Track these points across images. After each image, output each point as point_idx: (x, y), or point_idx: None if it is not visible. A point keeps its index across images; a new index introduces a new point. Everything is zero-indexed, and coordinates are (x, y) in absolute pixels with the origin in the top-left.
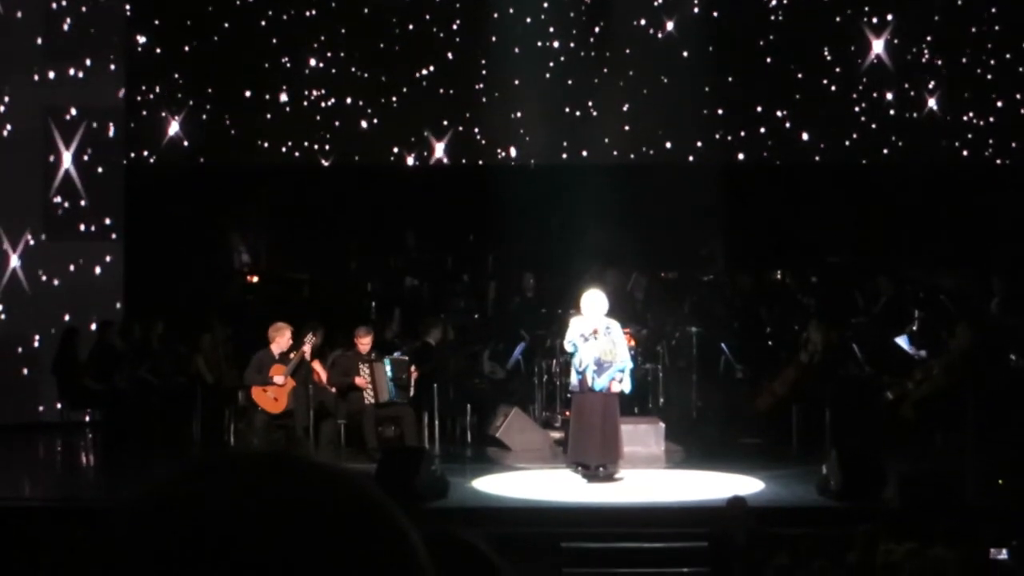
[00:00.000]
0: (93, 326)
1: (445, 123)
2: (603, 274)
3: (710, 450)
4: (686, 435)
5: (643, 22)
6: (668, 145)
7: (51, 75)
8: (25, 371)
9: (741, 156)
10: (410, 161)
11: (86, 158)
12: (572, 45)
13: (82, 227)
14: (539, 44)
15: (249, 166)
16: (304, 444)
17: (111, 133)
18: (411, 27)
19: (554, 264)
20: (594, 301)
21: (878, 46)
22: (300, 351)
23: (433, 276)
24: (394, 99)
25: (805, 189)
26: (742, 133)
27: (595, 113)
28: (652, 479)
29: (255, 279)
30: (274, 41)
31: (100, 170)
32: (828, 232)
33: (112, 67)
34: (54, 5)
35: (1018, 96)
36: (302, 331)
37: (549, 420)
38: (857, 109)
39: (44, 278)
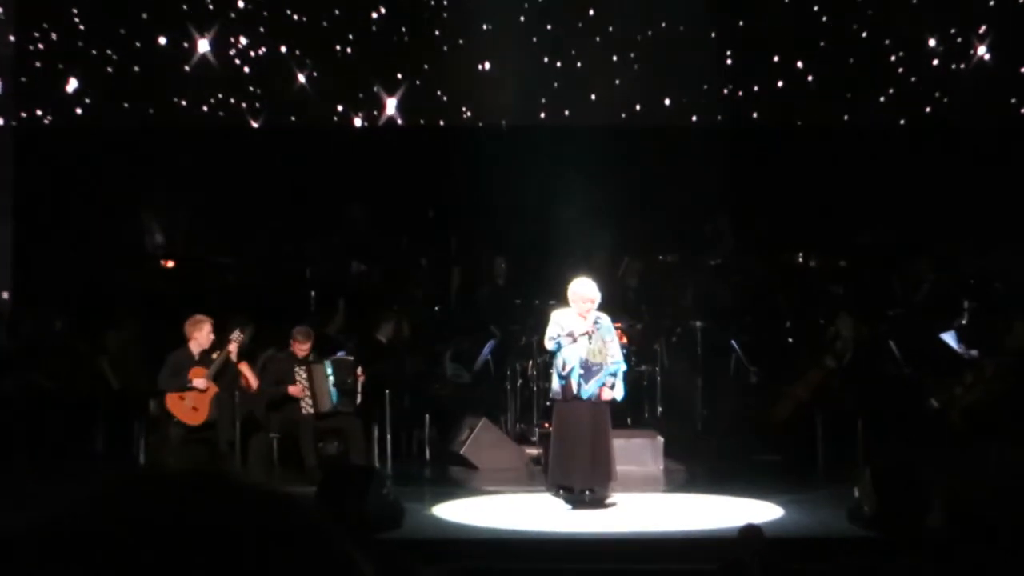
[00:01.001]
0: None
1: (398, 76)
2: (588, 258)
3: (718, 469)
4: (689, 451)
5: None
6: (667, 103)
7: None
8: None
9: (754, 115)
10: (357, 122)
11: None
12: None
13: None
14: None
15: (163, 128)
16: (229, 462)
17: None
18: None
19: (530, 246)
20: (584, 291)
21: None
22: (224, 351)
23: (385, 260)
24: (337, 48)
25: (831, 155)
26: (755, 88)
27: (579, 64)
28: (649, 504)
29: (170, 264)
30: None
31: None
32: (859, 206)
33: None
34: None
35: None
36: (227, 327)
37: (525, 434)
38: (893, 59)
39: None
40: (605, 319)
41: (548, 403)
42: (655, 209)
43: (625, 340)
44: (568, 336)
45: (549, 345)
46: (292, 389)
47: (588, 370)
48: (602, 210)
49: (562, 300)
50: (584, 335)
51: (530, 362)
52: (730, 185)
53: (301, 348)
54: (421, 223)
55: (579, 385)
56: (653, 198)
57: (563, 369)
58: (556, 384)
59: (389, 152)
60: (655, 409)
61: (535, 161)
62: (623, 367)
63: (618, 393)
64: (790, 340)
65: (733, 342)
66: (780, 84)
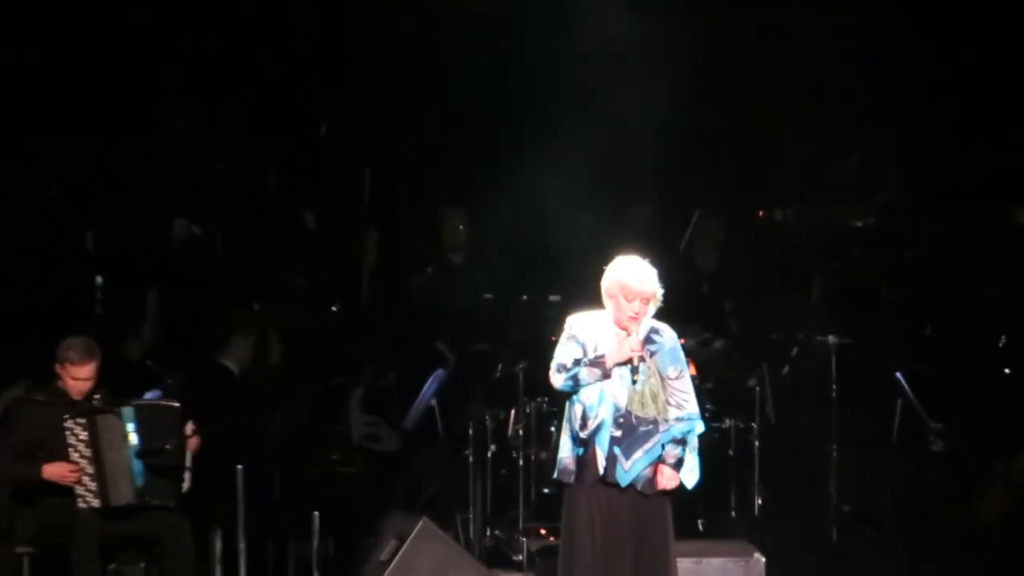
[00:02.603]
0: None
1: None
2: (625, 212)
3: None
4: (818, 573)
5: None
6: None
7: None
8: None
9: None
10: None
11: None
12: None
13: None
14: None
15: None
16: None
17: None
18: None
19: (513, 187)
20: (634, 279)
21: None
22: None
23: (235, 213)
24: None
25: None
26: None
27: None
28: None
29: None
30: None
31: None
32: None
33: None
34: None
35: None
36: None
37: (503, 548)
38: None
39: None
40: (668, 334)
41: (550, 490)
42: (743, 124)
43: (695, 371)
44: (596, 366)
45: (558, 381)
46: (51, 469)
47: (630, 430)
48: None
49: (583, 296)
50: (627, 363)
51: (514, 412)
52: (890, 93)
53: (76, 382)
54: (303, 143)
55: (613, 459)
56: (741, 109)
57: (583, 427)
58: (568, 454)
59: (231, 22)
60: (751, 500)
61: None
62: (699, 427)
63: (689, 478)
64: (1007, 372)
65: (899, 375)
66: None
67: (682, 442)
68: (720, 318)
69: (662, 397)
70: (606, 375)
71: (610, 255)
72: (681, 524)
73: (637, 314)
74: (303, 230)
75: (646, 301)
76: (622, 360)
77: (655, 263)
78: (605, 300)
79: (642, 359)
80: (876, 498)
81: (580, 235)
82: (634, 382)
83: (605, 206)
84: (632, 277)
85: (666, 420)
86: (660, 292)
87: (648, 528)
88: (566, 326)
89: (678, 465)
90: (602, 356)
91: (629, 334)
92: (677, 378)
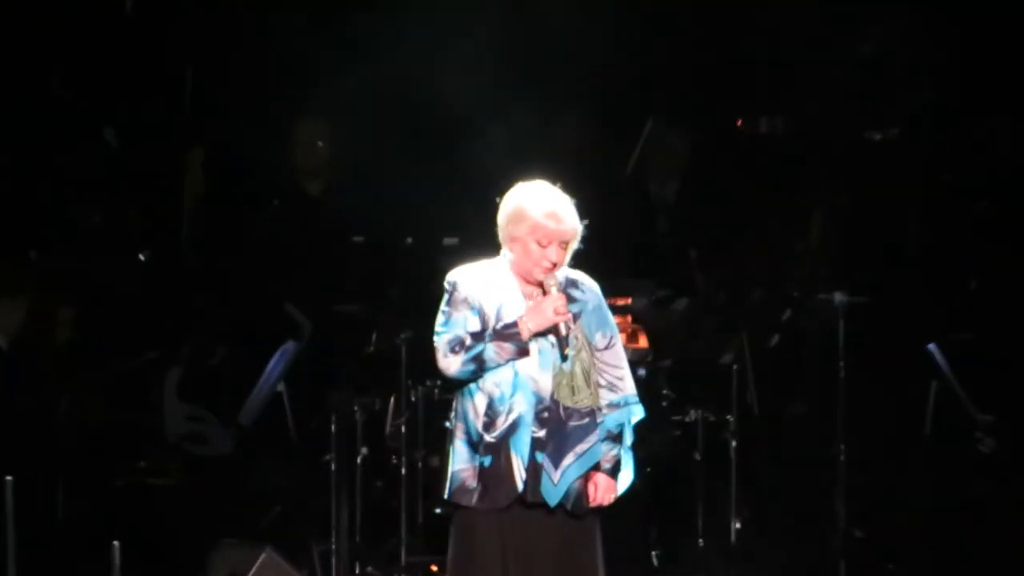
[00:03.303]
0: None
1: None
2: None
3: None
4: None
5: None
6: None
7: None
8: None
9: None
10: None
11: None
12: None
13: None
14: None
15: None
16: None
17: None
18: None
19: (383, 94)
20: (547, 213)
21: None
22: None
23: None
24: None
25: None
26: None
27: None
28: None
29: None
30: None
31: None
32: None
33: None
34: None
35: None
36: None
37: None
38: None
39: None
40: (590, 287)
41: (444, 510)
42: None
43: (646, 342)
44: (507, 339)
45: (453, 365)
46: None
47: (558, 427)
48: None
49: (490, 239)
50: (550, 333)
51: (393, 401)
52: None
53: None
54: (101, 27)
55: (536, 470)
56: None
57: (489, 427)
58: (465, 465)
59: None
60: (725, 523)
61: None
62: (637, 413)
63: (622, 480)
64: None
65: (933, 348)
66: None
67: (618, 438)
68: (682, 269)
69: (591, 376)
70: (522, 351)
71: (521, 181)
72: (624, 556)
73: (554, 263)
74: (99, 149)
75: (564, 244)
76: (544, 328)
77: (590, 194)
78: (506, 245)
79: (569, 326)
80: (899, 519)
81: (486, 154)
82: (564, 358)
83: (523, 115)
84: (545, 212)
85: (596, 409)
86: (580, 230)
87: (577, 562)
88: (448, 286)
89: (615, 470)
90: (513, 324)
91: (545, 291)
92: (607, 348)
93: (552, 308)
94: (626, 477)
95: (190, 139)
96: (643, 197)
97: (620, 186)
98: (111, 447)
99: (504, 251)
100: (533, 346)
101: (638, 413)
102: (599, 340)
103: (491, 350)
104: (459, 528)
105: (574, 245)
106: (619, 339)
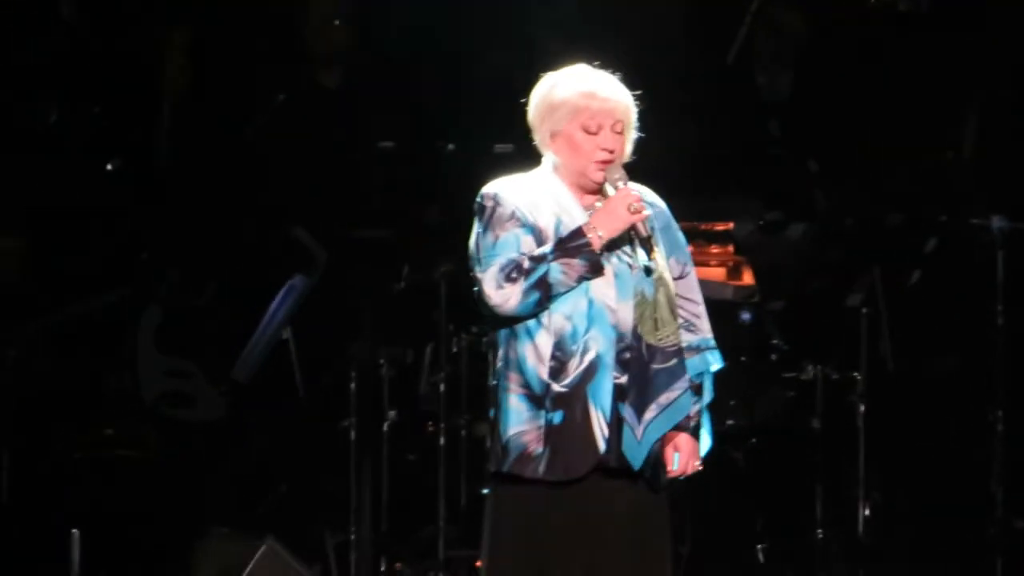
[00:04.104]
0: None
1: None
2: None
3: None
4: None
5: None
6: None
7: None
8: None
9: None
10: None
11: None
12: None
13: None
14: None
15: None
16: None
17: None
18: None
19: None
20: (593, 87)
21: None
22: None
23: None
24: None
25: None
26: None
27: None
28: None
29: None
30: None
31: None
32: None
33: None
34: None
35: None
36: None
37: None
38: None
39: None
40: (655, 203)
41: (490, 489)
42: None
43: (751, 279)
44: (575, 253)
45: (512, 299)
46: None
47: (641, 371)
48: None
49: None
50: (629, 241)
51: (430, 352)
52: None
53: None
54: None
55: (618, 425)
56: None
57: (558, 372)
58: (525, 425)
59: None
60: (852, 508)
61: None
62: (715, 361)
63: (702, 446)
64: None
65: None
66: None
67: (699, 389)
68: (798, 185)
69: (672, 311)
70: (595, 267)
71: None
72: (721, 550)
73: (611, 151)
74: (55, 29)
75: (619, 127)
76: (618, 232)
77: (681, 90)
78: (547, 148)
79: (650, 228)
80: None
81: (550, 38)
82: (648, 272)
83: None
84: (580, 91)
85: (681, 347)
86: (634, 109)
87: (651, 550)
88: (487, 201)
89: (698, 431)
90: (580, 233)
91: (603, 193)
92: (680, 277)
93: (625, 205)
94: (704, 443)
95: (172, 15)
96: (749, 93)
97: (719, 78)
98: (69, 411)
99: (546, 158)
100: (607, 267)
101: (716, 361)
102: (673, 267)
103: (557, 270)
104: (519, 510)
105: (632, 132)
106: (693, 268)
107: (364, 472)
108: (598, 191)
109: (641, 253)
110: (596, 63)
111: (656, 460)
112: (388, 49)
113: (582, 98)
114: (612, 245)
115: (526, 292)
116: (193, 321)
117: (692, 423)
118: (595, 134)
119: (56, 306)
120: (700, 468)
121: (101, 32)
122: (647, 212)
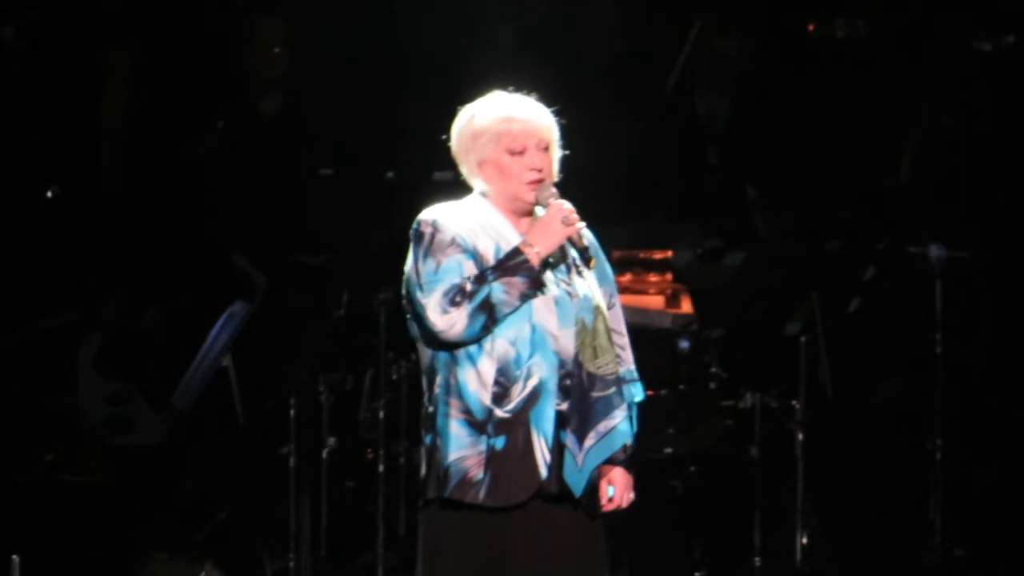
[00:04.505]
0: None
1: None
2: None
3: None
4: None
5: None
6: None
7: None
8: None
9: None
10: None
11: None
12: None
13: None
14: None
15: None
16: None
17: None
18: None
19: None
20: (511, 110)
21: None
22: None
23: None
24: None
25: None
26: None
27: None
28: None
29: None
30: None
31: None
32: None
33: None
34: None
35: None
36: None
37: None
38: None
39: None
40: (587, 233)
41: (421, 505)
42: None
43: (690, 307)
44: (515, 271)
45: (458, 324)
46: None
47: (582, 398)
48: None
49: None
50: (562, 261)
51: (370, 378)
52: None
53: None
54: None
55: (559, 451)
56: None
57: (500, 398)
58: (467, 450)
59: None
60: (790, 535)
61: None
62: (638, 393)
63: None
64: None
65: None
66: None
67: (630, 418)
68: (738, 212)
69: (609, 337)
70: (536, 282)
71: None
72: None
73: (541, 169)
74: None
75: (544, 145)
76: (554, 247)
77: (620, 117)
78: (476, 177)
79: (585, 239)
80: (1011, 533)
81: (493, 64)
82: (584, 268)
83: (538, 15)
84: (499, 116)
85: (618, 375)
86: (555, 127)
87: (590, 573)
88: (428, 229)
89: (630, 464)
90: (518, 251)
91: (535, 216)
92: (609, 308)
93: (559, 218)
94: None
95: (112, 41)
96: (687, 120)
97: (658, 106)
98: (9, 435)
99: (476, 188)
100: (549, 296)
101: (639, 394)
102: (606, 288)
103: (499, 289)
104: (453, 534)
105: (557, 150)
106: (618, 300)
107: (304, 498)
108: (531, 214)
109: (578, 281)
110: (531, 92)
111: (593, 488)
112: (328, 76)
113: (502, 123)
114: (550, 264)
115: (472, 315)
116: (133, 347)
117: (623, 456)
118: (521, 154)
119: None
120: (634, 499)
121: (40, 58)
122: (581, 224)
